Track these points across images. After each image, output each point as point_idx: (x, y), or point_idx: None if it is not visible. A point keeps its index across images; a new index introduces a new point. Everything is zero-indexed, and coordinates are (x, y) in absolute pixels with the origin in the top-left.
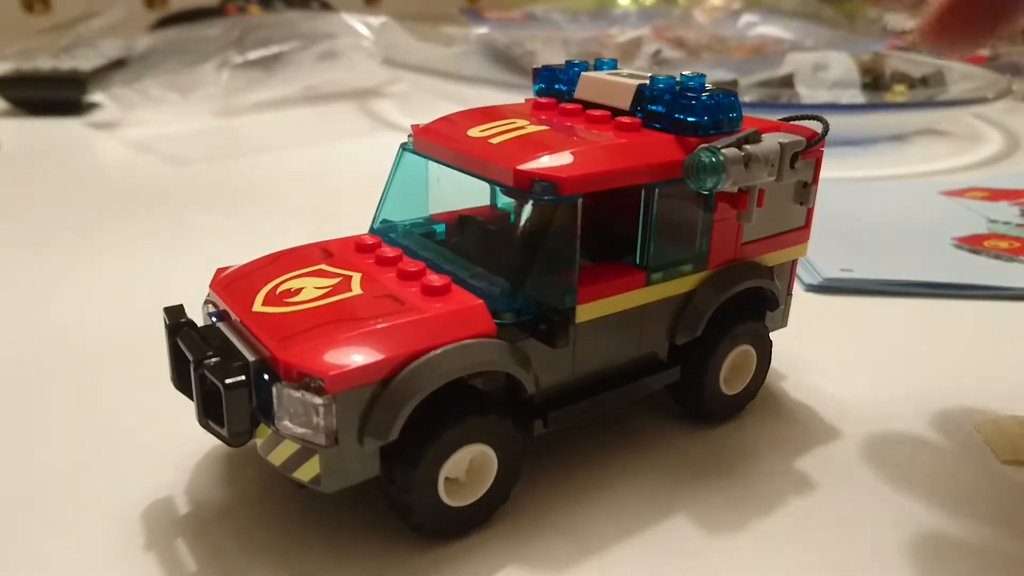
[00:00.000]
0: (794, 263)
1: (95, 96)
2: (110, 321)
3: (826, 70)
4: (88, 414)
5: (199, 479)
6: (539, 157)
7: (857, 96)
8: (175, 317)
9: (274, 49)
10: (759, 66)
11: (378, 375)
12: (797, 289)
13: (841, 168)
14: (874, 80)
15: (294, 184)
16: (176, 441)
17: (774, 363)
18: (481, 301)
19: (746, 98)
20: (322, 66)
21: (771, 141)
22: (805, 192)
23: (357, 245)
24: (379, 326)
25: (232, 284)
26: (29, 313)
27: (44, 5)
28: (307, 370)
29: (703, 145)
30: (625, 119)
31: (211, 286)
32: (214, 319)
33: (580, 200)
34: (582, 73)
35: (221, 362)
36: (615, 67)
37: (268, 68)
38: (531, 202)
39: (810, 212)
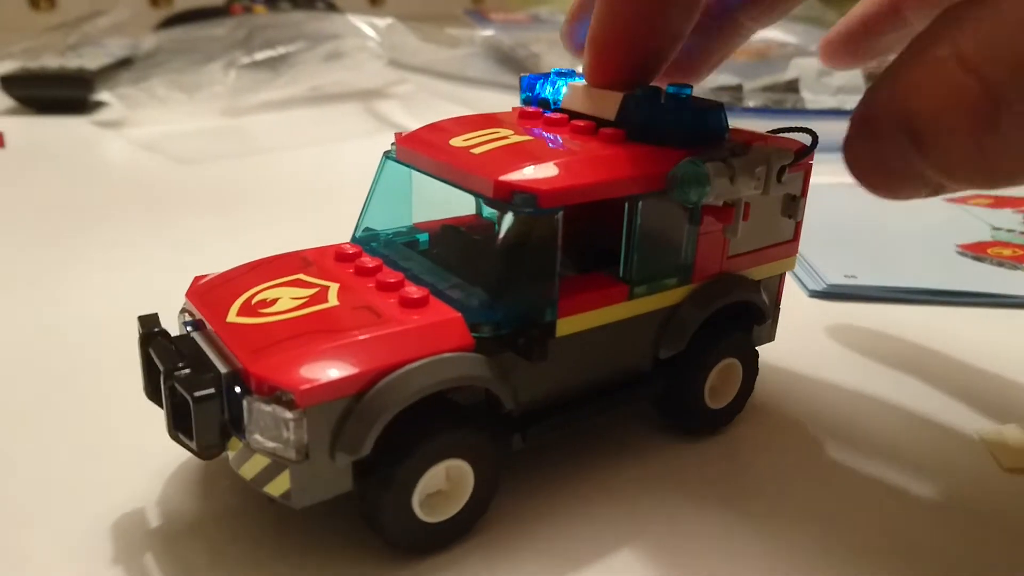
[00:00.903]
0: (782, 276)
1: (101, 95)
2: (108, 322)
3: (831, 75)
4: (66, 418)
5: (173, 490)
6: (520, 168)
7: None
8: (148, 326)
9: (281, 50)
10: (764, 70)
11: (351, 389)
12: (801, 295)
13: (844, 174)
14: None
15: (299, 184)
16: (152, 450)
17: (775, 370)
18: (459, 314)
19: (750, 103)
20: (327, 67)
21: (757, 154)
22: (794, 205)
23: (337, 254)
24: (354, 339)
25: (208, 293)
26: (19, 314)
27: (49, 2)
28: (278, 383)
29: (687, 157)
30: (610, 130)
31: (187, 295)
32: (189, 328)
33: (561, 213)
34: (569, 83)
35: (191, 374)
36: None
37: (274, 68)
38: (511, 214)
39: (799, 225)
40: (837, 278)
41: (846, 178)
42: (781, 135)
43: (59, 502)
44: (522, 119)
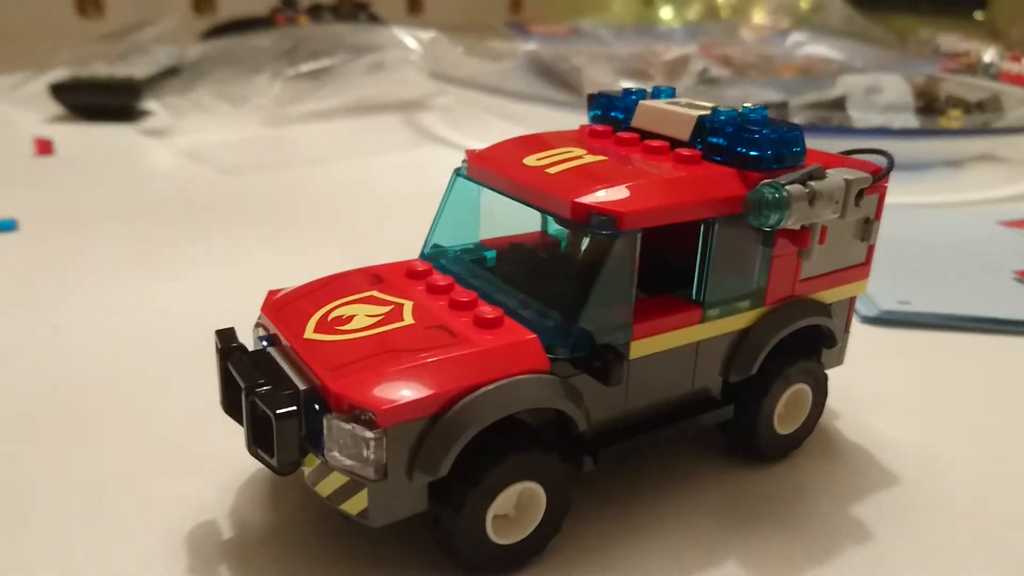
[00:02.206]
0: (852, 300)
1: (148, 103)
2: (156, 335)
3: (879, 93)
4: (132, 431)
5: (243, 502)
6: (597, 189)
7: (911, 120)
8: (227, 341)
9: (326, 62)
10: (810, 87)
11: (430, 410)
12: (854, 321)
13: (894, 194)
14: (928, 104)
15: (340, 196)
16: (220, 461)
17: (829, 399)
18: (535, 335)
19: (796, 120)
20: (370, 78)
21: (836, 177)
22: (867, 228)
23: (408, 271)
24: (431, 359)
25: (284, 308)
26: (75, 323)
27: (97, 9)
28: (358, 403)
29: (766, 181)
30: (684, 151)
31: (263, 309)
32: (265, 343)
33: (639, 235)
34: (640, 102)
35: (273, 391)
36: (672, 95)
37: (317, 79)
38: (589, 235)
39: (871, 248)
40: (891, 304)
41: (897, 198)
42: (855, 156)
43: (135, 512)
44: (592, 138)
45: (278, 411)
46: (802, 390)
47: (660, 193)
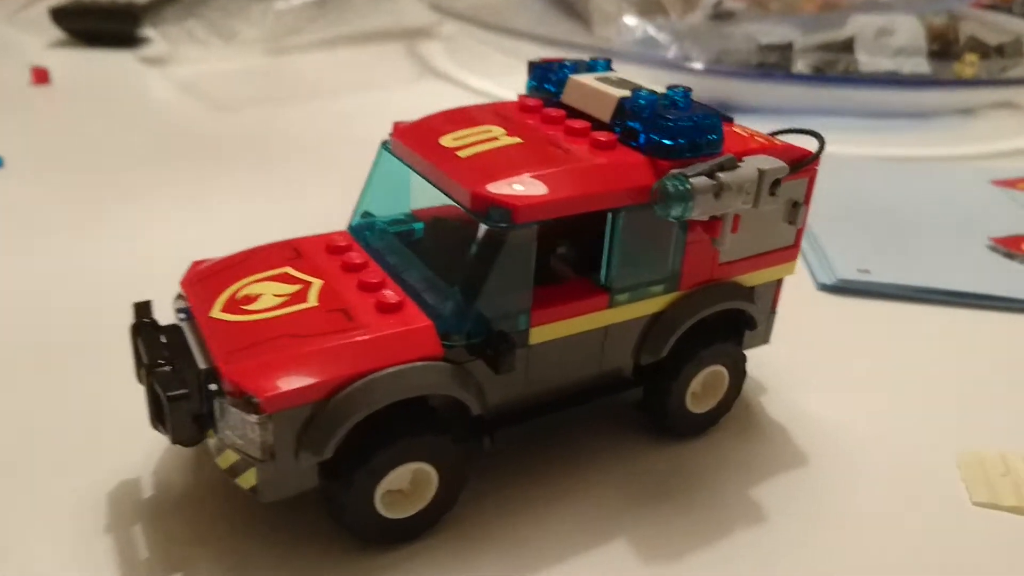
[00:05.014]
0: (779, 281)
1: (147, 30)
2: (120, 280)
3: (891, 35)
4: (74, 384)
5: (166, 464)
6: (499, 179)
7: (922, 64)
8: (139, 316)
9: None
10: (823, 24)
11: (315, 395)
12: (809, 286)
13: (887, 145)
14: (943, 47)
15: (334, 134)
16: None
17: (760, 374)
18: (430, 322)
19: (799, 64)
20: (373, 7)
21: (749, 167)
22: (795, 212)
23: (328, 246)
24: (323, 345)
25: (200, 283)
26: (45, 266)
27: None
28: (246, 388)
29: (672, 172)
30: (602, 135)
31: (182, 283)
32: (182, 316)
33: (535, 227)
34: (570, 76)
35: (169, 372)
36: (607, 68)
37: (320, 7)
38: (485, 227)
39: (800, 231)
40: (849, 272)
41: (876, 150)
42: (789, 137)
43: (61, 467)
44: (521, 112)
45: (169, 393)
46: (718, 371)
47: (563, 183)
